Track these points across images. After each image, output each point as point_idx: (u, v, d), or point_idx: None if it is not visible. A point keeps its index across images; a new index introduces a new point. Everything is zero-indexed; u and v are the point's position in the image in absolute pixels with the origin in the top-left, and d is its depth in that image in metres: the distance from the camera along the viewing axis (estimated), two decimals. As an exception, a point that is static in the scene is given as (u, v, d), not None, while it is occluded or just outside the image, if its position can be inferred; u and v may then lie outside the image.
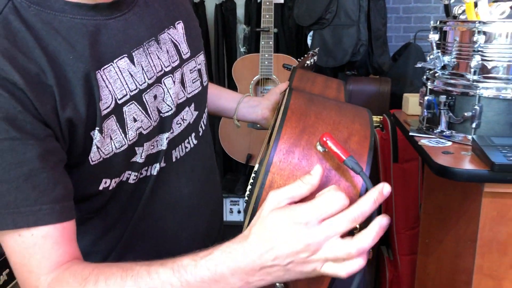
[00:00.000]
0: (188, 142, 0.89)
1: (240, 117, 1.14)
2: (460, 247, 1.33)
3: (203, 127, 0.94)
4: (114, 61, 0.74)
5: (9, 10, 0.67)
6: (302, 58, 1.12)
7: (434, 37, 1.18)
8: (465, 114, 1.08)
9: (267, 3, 1.95)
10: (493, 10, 1.06)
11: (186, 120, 0.87)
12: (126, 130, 0.75)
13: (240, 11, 2.37)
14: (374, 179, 2.02)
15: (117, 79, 0.74)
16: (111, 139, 0.73)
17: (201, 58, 0.92)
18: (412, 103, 1.46)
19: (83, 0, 0.72)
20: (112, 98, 0.73)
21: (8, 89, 0.63)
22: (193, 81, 0.89)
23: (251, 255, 0.57)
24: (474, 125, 1.08)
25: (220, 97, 1.13)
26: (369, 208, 0.55)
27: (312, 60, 1.11)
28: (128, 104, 0.75)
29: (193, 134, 0.90)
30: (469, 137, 1.10)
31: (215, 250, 0.61)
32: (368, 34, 1.98)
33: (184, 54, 0.87)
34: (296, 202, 0.58)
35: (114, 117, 0.73)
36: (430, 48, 1.21)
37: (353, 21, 1.93)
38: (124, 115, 0.75)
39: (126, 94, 0.75)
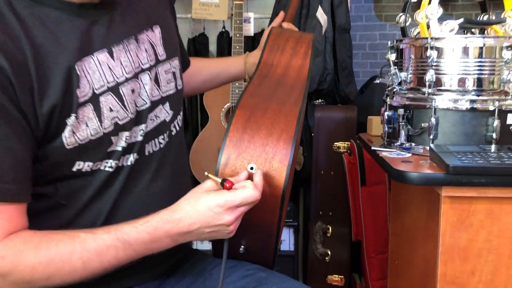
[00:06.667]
0: (163, 139, 0.93)
1: (250, 76, 1.24)
2: (429, 267, 1.33)
3: (177, 128, 0.99)
4: (94, 54, 0.80)
5: (4, 2, 0.75)
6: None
7: (391, 56, 1.25)
8: (422, 125, 1.12)
9: (237, 35, 2.02)
10: (443, 27, 1.13)
11: (159, 117, 0.92)
12: (102, 119, 0.81)
13: (213, 45, 2.44)
14: (344, 202, 2.03)
15: (96, 70, 0.80)
16: (86, 125, 0.79)
17: (176, 62, 0.98)
18: (376, 124, 1.50)
19: None
20: (90, 88, 0.79)
21: None
22: (168, 81, 0.95)
23: (181, 224, 0.77)
24: (431, 136, 1.12)
25: (229, 68, 1.27)
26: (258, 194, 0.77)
27: None
28: (105, 94, 0.81)
29: (166, 132, 0.94)
30: (428, 148, 1.13)
31: (153, 217, 0.78)
32: (334, 64, 2.06)
33: (160, 55, 0.93)
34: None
35: (91, 105, 0.80)
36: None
37: (319, 51, 2.01)
38: (101, 105, 0.81)
39: (104, 85, 0.81)
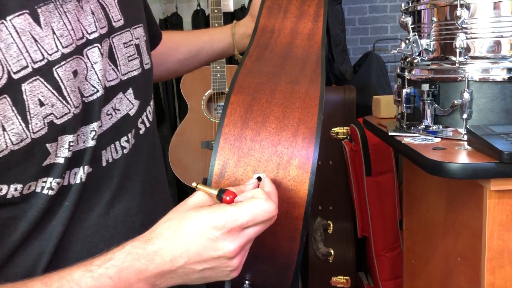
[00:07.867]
0: (127, 141, 0.69)
1: (240, 50, 1.07)
2: (450, 265, 1.18)
3: (147, 124, 0.74)
4: (7, 18, 0.54)
5: None
6: None
7: (407, 20, 1.03)
8: (455, 101, 0.91)
9: (215, 11, 1.78)
10: (474, -21, 0.91)
11: (119, 110, 0.68)
12: (28, 117, 0.56)
13: (188, 26, 2.20)
14: (346, 195, 1.83)
15: (11, 43, 0.55)
16: (3, 129, 0.54)
17: (140, 31, 0.73)
18: (384, 104, 1.30)
19: None
20: (3, 71, 0.54)
21: None
22: (129, 58, 0.70)
23: (158, 260, 0.53)
24: (465, 116, 0.91)
25: (212, 41, 1.06)
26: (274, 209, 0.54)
27: None
28: (30, 80, 0.56)
29: (132, 132, 0.70)
30: (461, 130, 0.93)
31: (116, 252, 0.54)
32: (327, 40, 1.86)
33: (114, 21, 0.68)
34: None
35: (8, 99, 0.54)
36: (391, 57, 1.08)
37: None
38: (24, 96, 0.55)
39: (27, 66, 0.56)
